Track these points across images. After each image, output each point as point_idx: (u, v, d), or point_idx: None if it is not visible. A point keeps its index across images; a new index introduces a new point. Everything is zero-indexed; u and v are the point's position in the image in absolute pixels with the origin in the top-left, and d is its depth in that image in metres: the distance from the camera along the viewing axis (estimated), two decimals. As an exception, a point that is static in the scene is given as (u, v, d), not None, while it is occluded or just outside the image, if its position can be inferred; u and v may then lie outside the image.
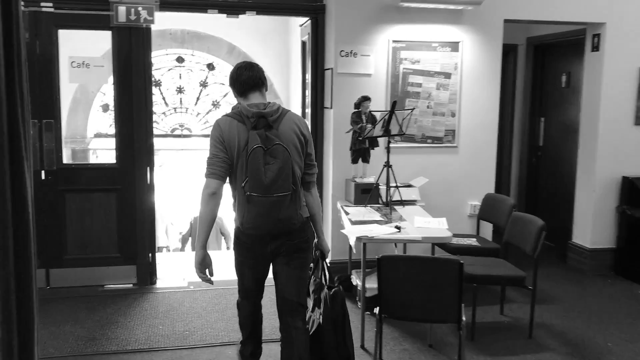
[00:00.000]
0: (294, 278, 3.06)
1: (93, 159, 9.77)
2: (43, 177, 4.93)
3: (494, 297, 4.79)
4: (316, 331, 3.16)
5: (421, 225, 4.10)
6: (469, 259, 4.46)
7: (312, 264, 3.25)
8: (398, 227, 3.92)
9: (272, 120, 2.88)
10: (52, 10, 4.75)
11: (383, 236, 3.82)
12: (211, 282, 3.03)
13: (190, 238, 8.90)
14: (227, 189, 2.97)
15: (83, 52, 4.95)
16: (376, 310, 3.40)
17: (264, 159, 2.78)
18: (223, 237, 8.54)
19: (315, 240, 3.22)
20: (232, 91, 3.07)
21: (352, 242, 3.87)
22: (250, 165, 2.77)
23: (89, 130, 8.75)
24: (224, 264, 5.64)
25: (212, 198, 2.84)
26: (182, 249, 9.09)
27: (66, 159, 8.07)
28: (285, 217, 2.87)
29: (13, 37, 1.53)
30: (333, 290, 3.19)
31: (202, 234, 2.89)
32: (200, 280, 2.99)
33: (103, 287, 5.07)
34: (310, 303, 3.22)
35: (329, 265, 3.30)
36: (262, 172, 2.77)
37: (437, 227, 4.11)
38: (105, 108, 8.62)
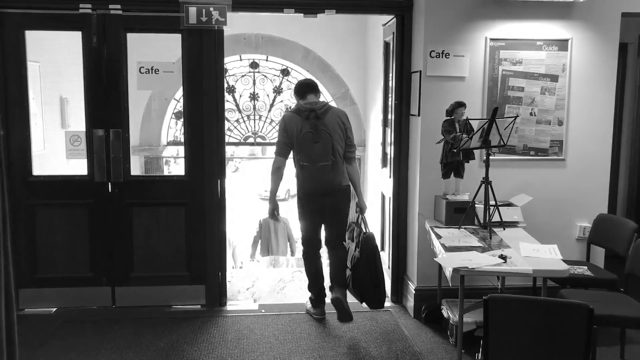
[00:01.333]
0: (336, 226, 4.47)
1: (172, 167, 9.67)
2: (110, 189, 4.65)
3: (612, 337, 4.08)
4: (355, 264, 4.36)
5: (530, 255, 3.49)
6: (582, 293, 3.81)
7: (355, 215, 4.53)
8: (503, 257, 3.33)
9: (320, 113, 4.22)
10: (120, 12, 4.47)
11: (486, 268, 3.25)
12: (279, 220, 5.26)
13: (260, 240, 8.68)
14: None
15: (157, 57, 4.65)
16: (478, 356, 2.85)
17: (313, 140, 4.15)
18: (289, 242, 8.56)
19: (356, 200, 4.47)
20: (295, 96, 4.52)
21: (448, 273, 3.32)
22: (303, 144, 4.18)
23: (163, 138, 8.60)
24: (299, 287, 5.22)
25: (277, 170, 4.32)
26: (252, 255, 8.94)
27: (139, 168, 8.02)
28: (326, 180, 4.23)
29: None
30: (366, 235, 4.37)
31: (272, 195, 4.46)
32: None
33: (170, 308, 4.73)
34: (352, 245, 4.46)
35: (366, 227, 4.47)
36: (311, 149, 4.16)
37: (548, 257, 3.49)
38: (178, 115, 8.43)
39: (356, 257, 4.36)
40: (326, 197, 4.29)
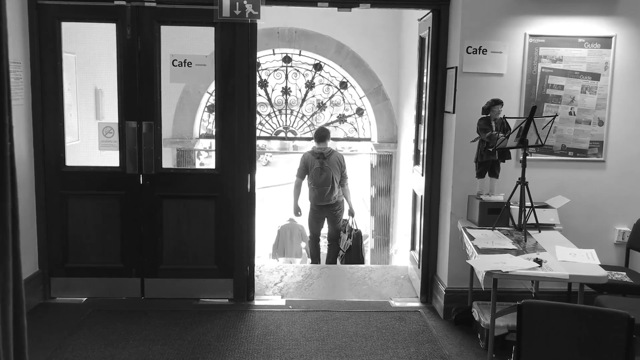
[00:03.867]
0: (333, 228, 7.11)
1: (203, 159, 9.77)
2: (141, 181, 4.67)
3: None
4: (348, 249, 6.99)
5: (566, 259, 3.37)
6: (620, 300, 3.69)
7: (347, 219, 7.17)
8: (539, 261, 3.23)
9: (326, 155, 6.75)
10: (154, 5, 4.47)
11: (520, 272, 3.15)
12: (300, 215, 7.28)
13: (277, 244, 9.38)
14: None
15: (190, 51, 4.65)
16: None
17: (320, 172, 6.68)
18: (303, 242, 9.40)
19: (348, 208, 7.11)
20: (314, 139, 7.01)
21: (480, 277, 3.22)
22: (313, 174, 6.73)
23: (196, 130, 8.64)
24: (327, 285, 5.19)
25: (297, 187, 6.95)
26: (273, 255, 9.67)
27: (171, 160, 8.08)
28: (328, 197, 6.79)
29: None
30: (357, 232, 7.09)
31: (295, 202, 7.03)
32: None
33: (198, 301, 4.74)
34: (345, 236, 7.01)
35: (356, 226, 7.21)
36: (319, 178, 6.70)
37: (586, 261, 3.37)
38: (210, 109, 8.46)
39: (349, 244, 7.00)
40: (327, 207, 6.93)
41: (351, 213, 7.07)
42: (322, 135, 6.85)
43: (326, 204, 6.79)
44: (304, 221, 7.92)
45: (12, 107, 1.26)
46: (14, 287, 1.19)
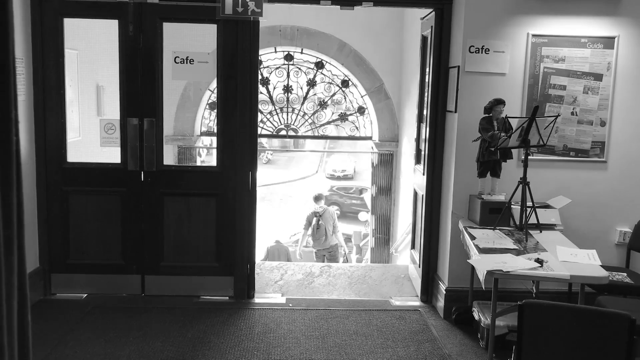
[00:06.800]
0: (332, 262, 8.19)
1: (204, 157, 9.78)
2: (142, 178, 4.67)
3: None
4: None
5: (567, 259, 3.37)
6: (621, 301, 3.68)
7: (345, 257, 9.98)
8: (540, 261, 3.22)
9: (321, 213, 8.59)
10: (157, 1, 4.47)
11: (521, 271, 3.15)
12: (301, 258, 9.25)
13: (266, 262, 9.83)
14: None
15: (192, 48, 4.64)
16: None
17: (317, 227, 8.60)
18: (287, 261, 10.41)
19: (342, 248, 9.51)
20: (312, 199, 8.95)
21: (481, 276, 3.22)
22: (313, 227, 8.68)
23: (197, 128, 8.64)
24: (327, 283, 5.19)
25: (303, 236, 9.22)
26: None
27: (172, 157, 8.07)
28: (324, 244, 8.69)
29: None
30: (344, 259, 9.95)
31: (301, 242, 9.36)
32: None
33: (199, 298, 4.74)
34: (341, 260, 9.57)
35: (348, 259, 10.61)
36: (317, 230, 8.64)
37: (587, 262, 3.37)
38: (212, 106, 8.45)
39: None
40: (324, 250, 8.69)
41: (344, 251, 9.92)
42: (317, 196, 9.00)
43: (322, 248, 8.85)
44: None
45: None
46: (19, 282, 1.19)
